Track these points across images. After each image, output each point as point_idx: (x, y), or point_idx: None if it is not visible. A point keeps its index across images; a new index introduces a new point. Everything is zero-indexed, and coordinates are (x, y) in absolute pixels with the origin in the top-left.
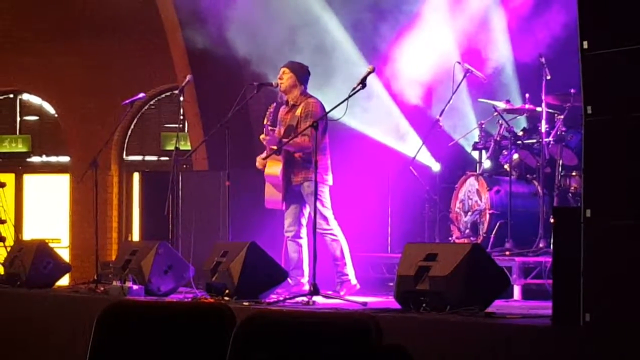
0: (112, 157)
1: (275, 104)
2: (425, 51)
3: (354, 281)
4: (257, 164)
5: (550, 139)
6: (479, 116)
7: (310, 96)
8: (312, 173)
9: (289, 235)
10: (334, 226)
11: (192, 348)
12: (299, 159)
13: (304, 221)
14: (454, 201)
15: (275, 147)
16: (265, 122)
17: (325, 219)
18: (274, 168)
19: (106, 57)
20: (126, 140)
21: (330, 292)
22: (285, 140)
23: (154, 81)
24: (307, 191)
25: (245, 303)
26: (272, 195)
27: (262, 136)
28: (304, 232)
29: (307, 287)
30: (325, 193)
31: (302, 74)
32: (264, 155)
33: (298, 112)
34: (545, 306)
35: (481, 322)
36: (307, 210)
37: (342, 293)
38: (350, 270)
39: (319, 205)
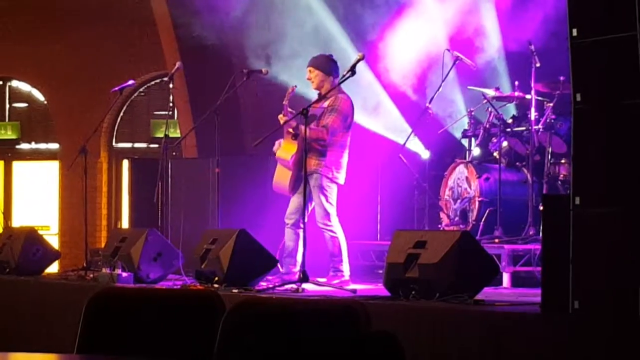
0: (102, 144)
1: (296, 86)
2: (415, 39)
3: (347, 277)
4: (274, 147)
5: (540, 126)
6: (468, 104)
7: (342, 92)
8: (325, 167)
9: (288, 223)
10: (335, 223)
11: (181, 335)
12: (316, 148)
13: (306, 212)
14: (443, 189)
15: (291, 130)
16: (284, 101)
17: (327, 215)
18: (286, 152)
19: (95, 44)
20: (115, 127)
21: (320, 279)
22: (302, 126)
23: (143, 68)
24: (314, 183)
25: (234, 290)
26: (281, 178)
27: (280, 115)
28: (304, 222)
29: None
30: (332, 189)
31: (327, 66)
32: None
33: (326, 103)
34: (535, 293)
35: (470, 310)
36: (312, 204)
37: (334, 282)
38: (346, 267)
39: (323, 199)
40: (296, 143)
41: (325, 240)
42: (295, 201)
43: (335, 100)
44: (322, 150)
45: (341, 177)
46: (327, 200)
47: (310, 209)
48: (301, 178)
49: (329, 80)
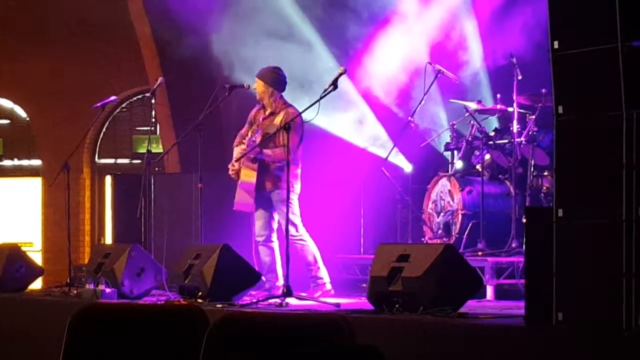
0: (84, 160)
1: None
2: (397, 52)
3: (328, 286)
4: (230, 171)
5: (522, 139)
6: (450, 117)
7: (290, 105)
8: (283, 182)
9: (260, 240)
10: (303, 232)
11: (165, 350)
12: (272, 168)
13: (274, 225)
14: (426, 202)
15: (252, 157)
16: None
17: (294, 225)
18: (250, 177)
19: (77, 60)
20: (98, 143)
21: (303, 294)
22: (264, 149)
23: (126, 84)
24: (276, 198)
25: (218, 305)
26: (243, 199)
27: (235, 148)
28: (274, 236)
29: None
30: (294, 201)
31: (271, 78)
32: (236, 157)
33: (277, 120)
34: (518, 306)
35: (454, 323)
36: (277, 216)
37: (317, 295)
38: (324, 274)
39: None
40: (256, 166)
41: (298, 253)
42: (260, 218)
43: (287, 116)
44: (280, 166)
45: (298, 187)
46: (291, 212)
47: (276, 219)
48: (262, 196)
49: (269, 91)
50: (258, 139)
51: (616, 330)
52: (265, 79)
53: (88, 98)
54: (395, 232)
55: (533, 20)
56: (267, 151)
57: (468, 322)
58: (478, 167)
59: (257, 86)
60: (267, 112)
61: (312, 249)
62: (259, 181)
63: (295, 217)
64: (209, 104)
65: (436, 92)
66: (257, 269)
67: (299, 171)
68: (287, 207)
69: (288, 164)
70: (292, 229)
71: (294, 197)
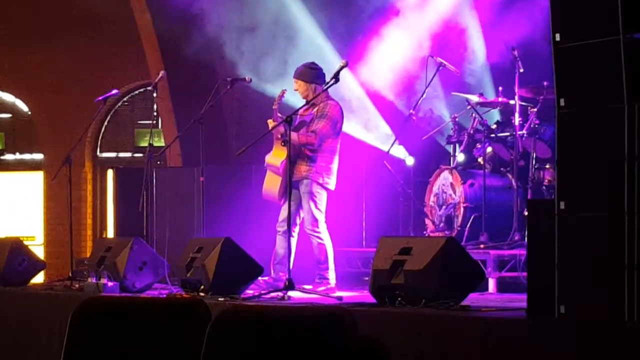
0: (86, 154)
1: (286, 90)
2: (398, 45)
3: (333, 285)
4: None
5: (524, 131)
6: (452, 110)
7: (331, 98)
8: (315, 173)
9: (280, 230)
10: (323, 230)
11: (168, 344)
12: (305, 154)
13: (298, 220)
14: (428, 195)
15: (280, 137)
16: (274, 106)
17: (316, 221)
18: (276, 158)
19: (79, 54)
20: (100, 137)
21: (306, 287)
22: (293, 133)
23: (127, 78)
24: (304, 189)
25: (220, 299)
26: (271, 186)
27: (269, 120)
28: (296, 230)
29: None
30: (322, 196)
31: (308, 75)
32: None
33: (315, 110)
34: (520, 299)
35: (456, 316)
36: (303, 209)
37: (320, 289)
38: (332, 275)
39: (312, 206)
40: (286, 149)
41: (312, 247)
42: (286, 209)
43: (325, 107)
44: (312, 155)
45: (332, 183)
46: (316, 207)
47: (302, 215)
48: (292, 185)
49: (312, 87)
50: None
51: (618, 323)
52: (304, 77)
53: (90, 92)
54: (397, 225)
55: (535, 12)
56: (294, 133)
57: (470, 315)
58: (480, 160)
59: (299, 87)
60: (310, 104)
61: (327, 249)
62: (289, 168)
63: (320, 213)
64: (211, 97)
65: (438, 85)
66: (274, 259)
67: (333, 166)
68: (310, 197)
69: (314, 151)
70: (313, 224)
71: (323, 193)
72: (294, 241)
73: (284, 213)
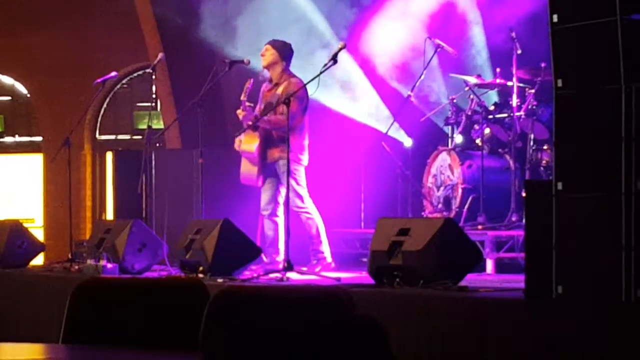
0: (85, 137)
1: (252, 80)
2: (396, 27)
3: (329, 259)
4: (235, 145)
5: (522, 113)
6: (450, 91)
7: (293, 76)
8: (288, 152)
9: (265, 214)
10: (309, 204)
11: (166, 324)
12: (276, 137)
13: (280, 199)
14: (426, 176)
15: (250, 123)
16: (242, 97)
17: (300, 197)
18: (250, 144)
19: (78, 36)
20: (99, 120)
21: (304, 268)
22: (261, 117)
23: (126, 60)
24: (282, 169)
25: (219, 280)
26: (248, 170)
27: (238, 111)
28: (280, 210)
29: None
30: (300, 172)
31: (284, 51)
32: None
33: (279, 90)
34: (518, 279)
35: (454, 296)
36: (283, 189)
37: (317, 270)
38: (325, 248)
39: (293, 183)
40: (257, 134)
41: (302, 225)
42: (266, 191)
43: (290, 86)
44: (284, 136)
45: (305, 159)
46: (297, 184)
47: (282, 194)
48: (268, 167)
49: (281, 64)
50: (260, 109)
51: (616, 303)
52: (277, 46)
53: (88, 74)
54: (395, 207)
55: None
56: (265, 117)
57: (468, 296)
58: (478, 141)
59: (267, 53)
60: (272, 84)
61: (317, 222)
62: (262, 150)
63: (302, 188)
64: (210, 79)
65: (436, 66)
66: (259, 243)
67: (305, 142)
68: (289, 176)
69: (288, 131)
70: (298, 201)
71: (301, 169)
72: (280, 221)
73: (265, 196)
